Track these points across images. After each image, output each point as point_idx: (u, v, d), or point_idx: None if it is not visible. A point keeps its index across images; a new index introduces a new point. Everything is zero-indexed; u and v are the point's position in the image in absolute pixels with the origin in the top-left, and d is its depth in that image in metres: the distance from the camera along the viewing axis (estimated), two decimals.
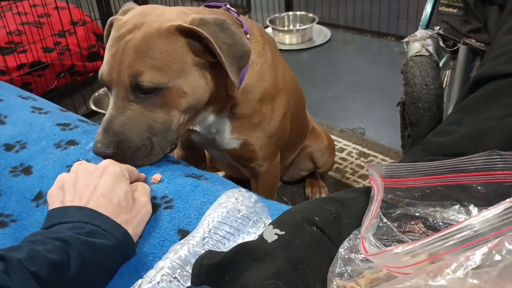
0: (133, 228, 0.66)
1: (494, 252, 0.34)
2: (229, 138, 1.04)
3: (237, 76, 0.85)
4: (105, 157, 0.81)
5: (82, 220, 0.62)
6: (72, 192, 0.67)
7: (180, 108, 0.86)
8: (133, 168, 0.77)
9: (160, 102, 0.84)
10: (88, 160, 0.81)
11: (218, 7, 1.00)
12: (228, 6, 1.01)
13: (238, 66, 0.86)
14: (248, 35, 0.96)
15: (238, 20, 0.98)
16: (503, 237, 0.35)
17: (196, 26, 0.81)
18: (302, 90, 1.31)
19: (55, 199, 0.68)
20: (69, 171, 0.72)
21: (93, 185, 0.67)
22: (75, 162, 0.77)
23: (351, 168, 1.81)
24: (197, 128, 1.01)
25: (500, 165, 0.52)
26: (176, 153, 1.23)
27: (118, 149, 0.81)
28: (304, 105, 1.34)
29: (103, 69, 0.84)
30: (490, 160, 0.53)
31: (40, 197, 0.78)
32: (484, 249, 0.34)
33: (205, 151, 1.32)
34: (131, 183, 0.73)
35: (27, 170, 0.85)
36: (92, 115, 2.17)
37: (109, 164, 0.71)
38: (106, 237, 0.61)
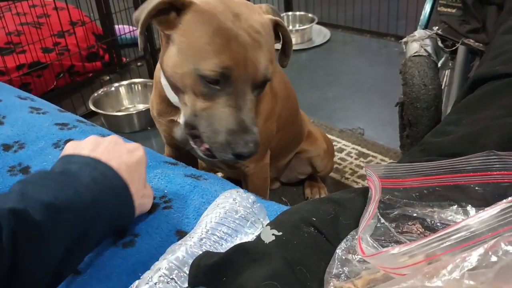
0: (136, 207, 0.66)
1: (490, 253, 0.34)
2: None
3: None
4: (249, 156, 0.81)
5: (93, 164, 0.61)
6: (94, 148, 0.65)
7: None
8: None
9: (263, 91, 0.87)
10: None
11: None
12: None
13: None
14: None
15: None
16: (499, 238, 0.35)
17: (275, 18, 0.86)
18: (296, 98, 1.31)
19: (71, 147, 0.66)
20: None
21: (120, 152, 0.65)
22: None
23: (350, 169, 1.81)
24: (180, 121, 0.98)
25: (497, 166, 0.52)
26: (166, 151, 1.22)
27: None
28: (297, 111, 1.34)
29: (228, 64, 0.77)
30: (488, 160, 0.52)
31: None
32: (480, 250, 0.34)
33: None
34: None
35: (25, 170, 0.84)
36: (91, 116, 2.17)
37: (140, 147, 0.70)
38: (113, 188, 0.60)
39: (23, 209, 0.50)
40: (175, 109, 0.99)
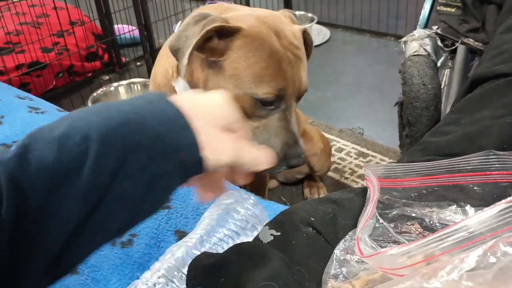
0: (204, 149, 0.44)
1: (489, 254, 0.34)
2: None
3: None
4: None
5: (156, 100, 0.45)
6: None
7: None
8: None
9: None
10: None
11: None
12: None
13: None
14: None
15: None
16: (497, 238, 0.35)
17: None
18: None
19: None
20: None
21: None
22: None
23: (350, 168, 1.81)
24: None
25: (496, 165, 0.51)
26: None
27: None
28: None
29: (282, 85, 0.82)
30: (487, 160, 0.52)
31: None
32: (479, 251, 0.34)
33: None
34: None
35: None
36: None
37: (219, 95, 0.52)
38: (158, 110, 0.44)
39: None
40: None
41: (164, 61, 0.98)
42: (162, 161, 0.42)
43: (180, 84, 0.93)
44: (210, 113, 0.48)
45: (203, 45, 0.79)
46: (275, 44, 0.81)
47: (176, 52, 0.81)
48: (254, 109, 0.83)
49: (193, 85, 0.89)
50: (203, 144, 0.44)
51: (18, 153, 0.38)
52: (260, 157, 0.49)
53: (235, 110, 0.50)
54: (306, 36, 0.92)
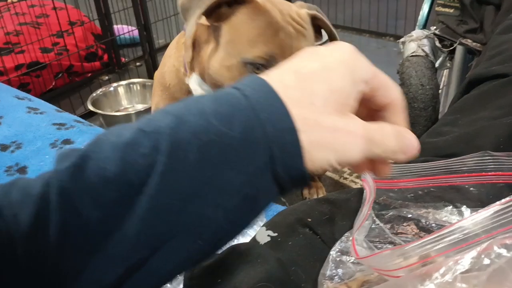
0: (308, 142, 0.31)
1: (483, 256, 0.34)
2: None
3: None
4: None
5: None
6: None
7: None
8: None
9: None
10: None
11: None
12: None
13: None
14: None
15: None
16: (492, 240, 0.35)
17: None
18: None
19: None
20: None
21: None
22: None
23: (349, 168, 1.81)
24: None
25: (492, 166, 0.52)
26: None
27: None
28: None
29: (275, 51, 0.82)
30: (482, 161, 0.52)
31: None
32: (473, 253, 0.34)
33: None
34: None
35: (22, 170, 0.85)
36: (90, 116, 2.17)
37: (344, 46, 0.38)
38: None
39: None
40: None
41: (172, 61, 0.99)
42: (253, 177, 0.31)
43: (194, 80, 0.94)
44: (327, 88, 0.32)
45: (212, 10, 0.82)
46: (277, 16, 0.83)
47: (186, 11, 0.82)
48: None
49: (203, 75, 0.91)
50: (308, 147, 0.31)
51: (75, 162, 0.31)
52: (406, 143, 0.35)
53: (366, 64, 0.36)
54: (321, 24, 0.93)
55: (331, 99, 0.32)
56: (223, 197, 0.31)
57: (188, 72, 0.94)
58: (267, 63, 0.82)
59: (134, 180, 0.30)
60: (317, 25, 0.93)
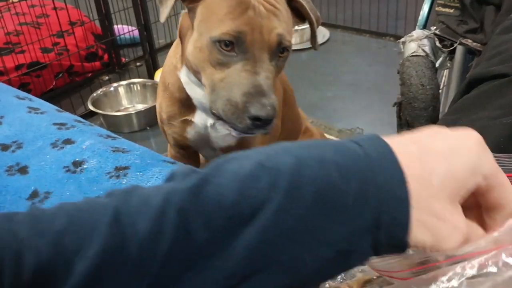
0: (415, 219, 0.32)
1: (490, 263, 0.33)
2: (226, 134, 1.00)
3: None
4: (270, 120, 0.78)
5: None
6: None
7: None
8: None
9: (282, 65, 0.88)
10: (85, 160, 0.81)
11: None
12: None
13: None
14: None
15: None
16: (500, 249, 0.34)
17: None
18: (292, 90, 1.31)
19: None
20: (66, 171, 0.71)
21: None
22: (71, 161, 0.77)
23: None
24: (195, 120, 1.00)
25: None
26: (169, 152, 1.22)
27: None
28: (294, 104, 1.34)
29: (242, 28, 0.79)
30: None
31: (35, 196, 0.78)
32: (481, 260, 0.34)
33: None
34: None
35: (23, 170, 0.85)
36: (90, 116, 2.17)
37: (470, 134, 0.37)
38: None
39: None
40: (190, 109, 0.99)
41: (171, 59, 0.99)
42: (353, 236, 0.32)
43: (183, 72, 0.94)
44: (447, 171, 0.33)
45: None
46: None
47: None
48: (215, 55, 0.81)
49: (190, 67, 0.90)
50: (413, 224, 0.32)
51: (196, 184, 0.33)
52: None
53: (491, 159, 0.35)
54: (299, 6, 0.93)
55: (447, 182, 0.33)
56: (322, 247, 0.32)
57: (179, 66, 0.94)
58: (235, 40, 0.79)
59: (246, 212, 0.32)
60: (296, 8, 0.93)
